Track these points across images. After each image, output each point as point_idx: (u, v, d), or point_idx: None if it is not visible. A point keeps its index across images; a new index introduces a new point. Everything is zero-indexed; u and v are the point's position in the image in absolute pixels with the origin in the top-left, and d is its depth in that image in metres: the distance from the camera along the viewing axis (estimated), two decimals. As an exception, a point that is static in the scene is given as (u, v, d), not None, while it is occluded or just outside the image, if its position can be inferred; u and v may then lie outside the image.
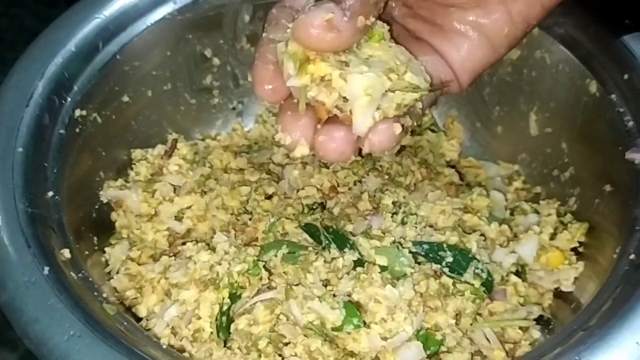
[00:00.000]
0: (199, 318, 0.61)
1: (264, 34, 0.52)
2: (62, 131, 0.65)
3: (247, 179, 0.73)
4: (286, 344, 0.60)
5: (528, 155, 0.78)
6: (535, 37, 0.72)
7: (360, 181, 0.73)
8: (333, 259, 0.64)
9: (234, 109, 0.84)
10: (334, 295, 0.61)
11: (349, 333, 0.59)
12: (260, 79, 0.50)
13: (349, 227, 0.67)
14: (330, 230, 0.67)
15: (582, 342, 0.53)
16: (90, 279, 0.59)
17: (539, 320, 0.66)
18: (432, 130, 0.83)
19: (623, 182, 0.65)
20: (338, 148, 0.49)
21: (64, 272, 0.57)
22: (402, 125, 0.49)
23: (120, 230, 0.71)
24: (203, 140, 0.81)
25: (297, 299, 0.61)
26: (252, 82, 0.51)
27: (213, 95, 0.82)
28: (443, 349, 0.61)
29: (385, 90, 0.47)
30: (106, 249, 0.68)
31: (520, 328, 0.64)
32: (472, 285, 0.64)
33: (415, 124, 0.52)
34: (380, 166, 0.74)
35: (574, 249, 0.69)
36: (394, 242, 0.65)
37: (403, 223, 0.67)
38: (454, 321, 0.62)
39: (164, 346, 0.59)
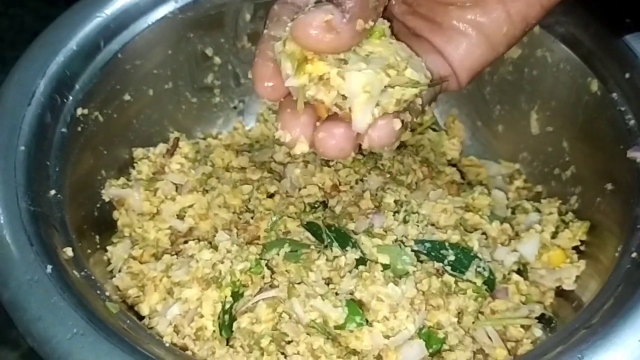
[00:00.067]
0: (202, 316, 0.61)
1: (265, 31, 0.52)
2: (64, 130, 0.65)
3: (249, 178, 0.73)
4: (289, 342, 0.60)
5: (529, 154, 0.79)
6: (536, 35, 0.72)
7: (361, 180, 0.73)
8: (335, 257, 0.64)
9: (235, 107, 0.84)
10: (337, 294, 0.61)
11: (351, 331, 0.59)
12: (260, 76, 0.50)
13: (351, 226, 0.68)
14: (332, 228, 0.67)
15: (584, 340, 0.53)
16: (93, 278, 0.60)
17: (541, 318, 0.66)
18: (434, 129, 0.83)
19: (624, 181, 0.65)
20: (338, 145, 0.49)
21: (66, 270, 0.57)
22: (402, 121, 0.49)
23: (122, 228, 0.71)
24: (204, 139, 0.81)
25: (300, 298, 0.61)
26: (252, 80, 0.51)
27: (214, 94, 0.82)
28: (445, 347, 0.61)
29: (385, 86, 0.47)
30: (108, 247, 0.68)
31: (522, 326, 0.64)
32: (474, 283, 0.64)
33: (414, 119, 0.52)
34: (382, 165, 0.75)
35: (575, 248, 0.69)
36: (396, 240, 0.65)
37: (405, 221, 0.67)
38: (456, 319, 0.62)
39: (167, 344, 0.59)
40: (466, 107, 0.83)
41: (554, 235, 0.70)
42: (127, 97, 0.73)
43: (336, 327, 0.59)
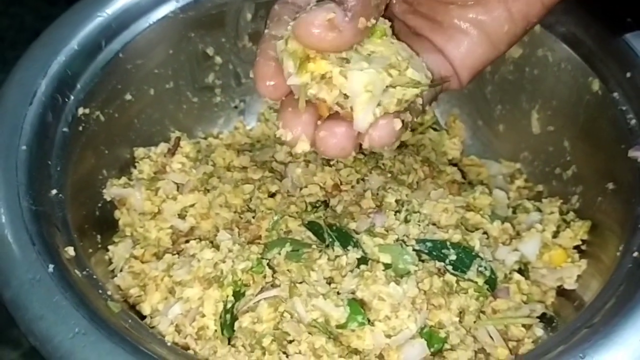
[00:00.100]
0: (203, 316, 0.61)
1: (266, 30, 0.52)
2: (65, 129, 0.65)
3: (250, 177, 0.73)
4: (290, 342, 0.60)
5: (530, 154, 0.79)
6: (537, 35, 0.72)
7: (363, 179, 0.73)
8: (337, 256, 0.64)
9: (236, 107, 0.84)
10: (338, 293, 0.61)
11: (353, 330, 0.59)
12: (262, 75, 0.50)
13: (352, 225, 0.68)
14: (334, 228, 0.67)
15: (586, 339, 0.53)
16: (95, 277, 0.60)
17: (542, 318, 0.66)
18: (434, 129, 0.83)
19: (626, 180, 0.65)
20: (339, 144, 0.49)
21: (68, 269, 0.57)
22: (402, 121, 0.49)
23: (123, 228, 0.71)
24: (205, 138, 0.81)
25: (301, 297, 0.61)
26: (254, 79, 0.51)
27: (215, 93, 0.82)
28: (447, 346, 0.61)
29: (387, 86, 0.47)
30: (109, 247, 0.68)
31: (524, 326, 0.64)
32: (476, 283, 0.64)
33: (415, 119, 0.52)
34: (383, 164, 0.75)
35: (576, 247, 0.69)
36: (397, 240, 0.65)
37: (406, 221, 0.67)
38: (457, 319, 0.62)
39: (169, 344, 0.59)
40: (467, 106, 0.83)
41: (555, 235, 0.70)
42: (128, 96, 0.73)
43: (338, 327, 0.59)
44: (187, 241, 0.68)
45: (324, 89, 0.47)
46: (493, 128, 0.81)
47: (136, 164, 0.74)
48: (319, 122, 0.50)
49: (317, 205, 0.71)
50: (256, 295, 0.63)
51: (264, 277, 0.64)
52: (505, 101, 0.79)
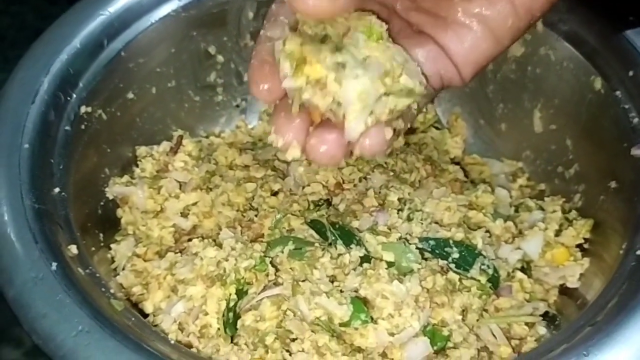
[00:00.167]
0: (206, 314, 0.61)
1: (261, 32, 0.52)
2: (67, 128, 0.65)
3: (253, 176, 0.73)
4: (293, 340, 0.60)
5: (532, 153, 0.78)
6: (539, 34, 0.72)
7: (365, 178, 0.73)
8: (339, 255, 0.64)
9: (237, 106, 0.84)
10: (341, 291, 0.61)
11: (356, 328, 0.59)
12: (256, 78, 0.50)
13: (355, 224, 0.68)
14: (337, 226, 0.67)
15: (589, 338, 0.53)
16: (98, 275, 0.60)
17: (545, 316, 0.66)
18: (436, 128, 0.83)
19: (628, 179, 0.65)
20: (329, 152, 0.49)
21: (71, 268, 0.57)
22: (394, 129, 0.50)
23: (125, 226, 0.70)
24: (207, 137, 0.81)
25: (304, 295, 0.61)
26: (248, 82, 0.52)
27: (217, 92, 0.82)
28: (450, 344, 0.61)
29: (379, 95, 0.47)
30: (112, 245, 0.68)
31: (526, 324, 0.65)
32: (479, 281, 0.64)
33: (408, 126, 0.52)
34: (385, 163, 0.75)
35: (579, 246, 0.69)
36: (400, 238, 0.65)
37: (409, 219, 0.67)
38: (460, 317, 0.62)
39: (172, 342, 0.59)
40: (469, 105, 0.83)
41: (558, 233, 0.70)
42: (130, 95, 0.73)
43: (341, 325, 0.59)
44: (189, 239, 0.68)
45: (318, 95, 0.47)
46: (495, 127, 0.81)
47: (138, 163, 0.74)
48: (311, 129, 0.50)
49: (320, 203, 0.71)
50: (259, 294, 0.63)
51: (267, 275, 0.64)
52: (507, 100, 0.79)
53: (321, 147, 0.49)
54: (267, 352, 0.59)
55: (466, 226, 0.68)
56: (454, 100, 0.83)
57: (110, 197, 0.71)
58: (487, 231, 0.69)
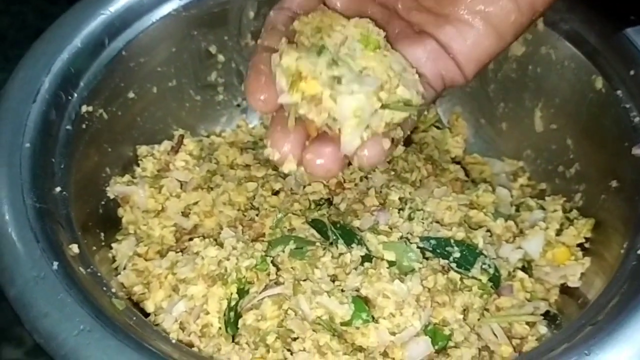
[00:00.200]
0: (207, 313, 0.61)
1: (258, 41, 0.52)
2: (68, 127, 0.65)
3: (254, 175, 0.73)
4: (294, 339, 0.60)
5: (533, 152, 0.78)
6: (540, 33, 0.72)
7: (366, 177, 0.73)
8: (341, 254, 0.64)
9: (238, 105, 0.84)
10: (342, 291, 0.61)
11: (357, 328, 0.59)
12: (252, 90, 0.51)
13: (356, 223, 0.68)
14: (338, 225, 0.67)
15: (590, 337, 0.53)
16: (99, 274, 0.60)
17: (546, 315, 0.66)
18: (437, 127, 0.83)
19: (629, 178, 0.65)
20: (325, 165, 0.49)
21: (72, 267, 0.57)
22: (392, 139, 0.50)
23: (127, 226, 0.70)
24: (208, 136, 0.81)
25: (306, 294, 0.61)
26: (245, 92, 0.52)
27: (218, 91, 0.82)
28: (451, 344, 0.61)
29: (375, 110, 0.47)
30: (113, 244, 0.68)
31: (527, 323, 0.65)
32: (480, 280, 0.64)
33: (407, 134, 0.52)
34: (386, 162, 0.74)
35: (580, 245, 0.69)
36: (401, 237, 0.65)
37: (410, 219, 0.67)
38: (461, 316, 0.62)
39: (173, 341, 0.59)
40: (470, 104, 0.83)
41: (559, 233, 0.70)
42: (131, 94, 0.73)
43: (342, 324, 0.59)
44: (190, 239, 0.68)
45: (314, 110, 0.47)
46: (496, 126, 0.81)
47: (139, 162, 0.74)
48: (307, 142, 0.50)
49: (321, 203, 0.71)
50: (260, 293, 0.63)
51: (268, 274, 0.64)
52: (508, 99, 0.79)
53: (317, 161, 0.49)
54: (268, 351, 0.59)
55: (467, 225, 0.68)
56: (455, 100, 0.83)
57: (112, 197, 0.71)
58: (488, 230, 0.69)
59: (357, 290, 0.61)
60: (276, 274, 0.64)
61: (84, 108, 0.67)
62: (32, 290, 0.54)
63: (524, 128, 0.78)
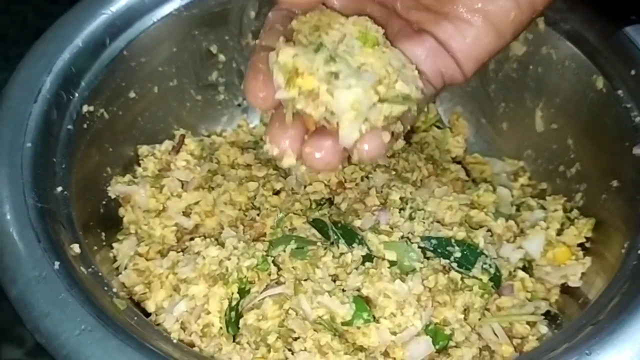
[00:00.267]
0: (208, 313, 0.61)
1: (257, 41, 0.53)
2: (70, 127, 0.65)
3: (255, 175, 0.73)
4: (295, 339, 0.60)
5: (534, 152, 0.78)
6: (541, 33, 0.72)
7: (367, 177, 0.73)
8: (342, 254, 0.64)
9: (239, 105, 0.84)
10: (343, 290, 0.61)
11: (358, 328, 0.59)
12: (251, 88, 0.51)
13: (357, 223, 0.67)
14: (339, 225, 0.67)
15: (591, 336, 0.53)
16: (100, 274, 0.60)
17: (547, 315, 0.66)
18: (438, 127, 0.83)
19: (630, 178, 0.65)
20: (324, 159, 0.50)
21: (74, 267, 0.57)
22: (392, 133, 0.50)
23: (128, 225, 0.70)
24: (209, 136, 0.81)
25: (307, 294, 0.61)
26: (244, 91, 0.52)
27: (218, 91, 0.82)
28: (452, 343, 0.61)
29: (374, 103, 0.47)
30: (114, 244, 0.68)
31: (528, 323, 0.65)
32: (480, 280, 0.64)
33: (407, 128, 0.52)
34: (387, 162, 0.74)
35: (580, 245, 0.69)
36: (402, 237, 0.65)
37: (411, 218, 0.67)
38: (462, 316, 0.62)
39: (174, 341, 0.59)
40: (470, 104, 0.83)
41: (559, 232, 0.70)
42: (132, 94, 0.73)
43: (343, 324, 0.59)
44: (191, 239, 0.68)
45: (311, 105, 0.47)
46: (496, 126, 0.81)
47: (140, 162, 0.74)
48: (306, 137, 0.50)
49: (322, 202, 0.71)
50: (261, 293, 0.63)
51: (269, 274, 0.64)
52: (508, 99, 0.79)
53: (316, 154, 0.50)
54: (269, 351, 0.59)
55: (468, 225, 0.68)
56: (456, 100, 0.83)
57: (113, 196, 0.71)
58: (489, 230, 0.69)
59: (358, 290, 0.61)
60: (277, 273, 0.64)
61: (85, 108, 0.67)
62: (34, 290, 0.54)
63: (525, 128, 0.78)
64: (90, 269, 0.59)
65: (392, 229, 0.66)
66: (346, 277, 0.63)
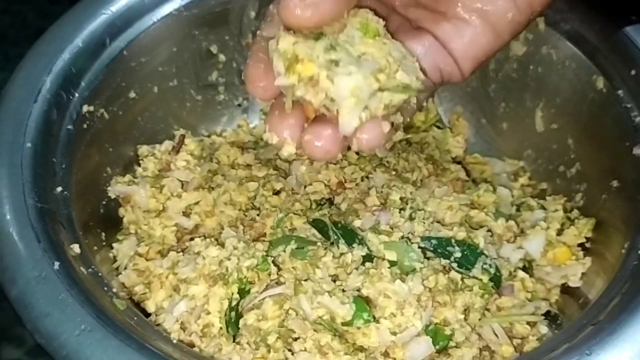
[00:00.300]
0: (208, 313, 0.61)
1: (258, 31, 0.53)
2: (70, 127, 0.65)
3: (255, 175, 0.73)
4: (295, 339, 0.60)
5: (534, 152, 0.78)
6: (541, 33, 0.72)
7: (367, 177, 0.73)
8: (342, 254, 0.64)
9: (239, 105, 0.84)
10: (343, 291, 0.61)
11: (358, 328, 0.59)
12: (251, 77, 0.51)
13: (357, 223, 0.67)
14: (339, 225, 0.67)
15: (591, 337, 0.53)
16: (100, 274, 0.59)
17: (547, 315, 0.66)
18: (438, 127, 0.83)
19: (630, 178, 0.65)
20: (324, 147, 0.49)
21: (74, 267, 0.57)
22: (392, 123, 0.50)
23: (128, 225, 0.70)
24: (209, 136, 0.81)
25: (307, 294, 0.61)
26: (244, 80, 0.52)
27: (219, 91, 0.82)
28: (452, 344, 0.61)
29: (374, 90, 0.47)
30: (114, 244, 0.68)
31: (528, 323, 0.65)
32: (481, 280, 0.64)
33: (407, 120, 0.52)
34: (387, 162, 0.75)
35: (581, 245, 0.69)
36: (402, 237, 0.65)
37: (411, 218, 0.67)
38: (462, 316, 0.62)
39: (174, 341, 0.59)
40: (470, 104, 0.83)
41: (560, 233, 0.70)
42: (132, 94, 0.73)
43: (343, 324, 0.59)
44: (191, 239, 0.68)
45: (311, 91, 0.47)
46: (496, 126, 0.81)
47: (140, 162, 0.74)
48: (306, 125, 0.50)
49: (322, 202, 0.71)
50: (261, 293, 0.63)
51: (269, 274, 0.64)
52: (509, 99, 0.79)
53: (316, 143, 0.49)
54: (269, 351, 0.59)
55: (468, 225, 0.68)
56: (456, 100, 0.83)
57: (113, 196, 0.71)
58: (489, 230, 0.69)
59: (358, 290, 0.61)
60: (277, 273, 0.64)
61: (85, 108, 0.67)
62: (34, 290, 0.54)
63: (525, 128, 0.78)
64: (90, 269, 0.59)
65: (392, 229, 0.66)
66: (346, 277, 0.63)
